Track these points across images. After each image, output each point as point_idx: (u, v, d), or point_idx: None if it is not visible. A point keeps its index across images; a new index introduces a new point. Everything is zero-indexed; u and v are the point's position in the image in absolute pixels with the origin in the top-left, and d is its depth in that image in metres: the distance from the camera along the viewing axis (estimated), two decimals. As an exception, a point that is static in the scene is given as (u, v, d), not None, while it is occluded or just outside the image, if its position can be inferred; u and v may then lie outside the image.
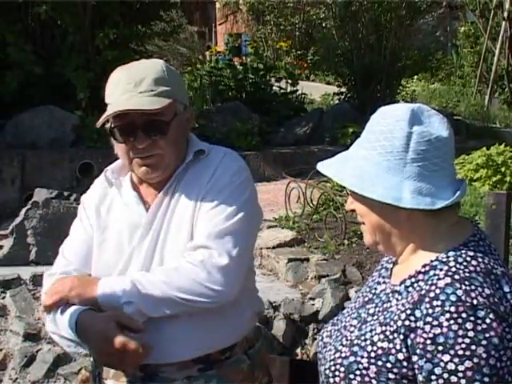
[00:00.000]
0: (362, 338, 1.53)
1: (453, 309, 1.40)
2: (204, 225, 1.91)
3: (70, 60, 7.53)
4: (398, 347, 1.46)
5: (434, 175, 1.51)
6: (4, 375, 3.87)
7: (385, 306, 1.56)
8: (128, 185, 2.04)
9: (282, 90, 9.94)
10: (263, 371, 2.08)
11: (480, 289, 1.42)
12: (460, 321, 1.39)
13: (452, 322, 1.39)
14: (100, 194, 2.08)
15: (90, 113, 7.04)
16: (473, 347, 1.37)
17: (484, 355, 1.37)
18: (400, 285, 1.55)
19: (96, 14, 7.64)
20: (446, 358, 1.39)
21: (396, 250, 1.58)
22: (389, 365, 1.47)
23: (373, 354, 1.49)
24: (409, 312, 1.46)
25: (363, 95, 9.51)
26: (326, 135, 8.49)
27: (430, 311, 1.42)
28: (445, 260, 1.49)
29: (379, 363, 1.47)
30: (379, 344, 1.49)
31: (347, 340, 1.57)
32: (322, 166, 1.61)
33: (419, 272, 1.51)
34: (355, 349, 1.52)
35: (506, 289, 1.46)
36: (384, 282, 1.66)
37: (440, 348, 1.39)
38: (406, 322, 1.45)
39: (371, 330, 1.53)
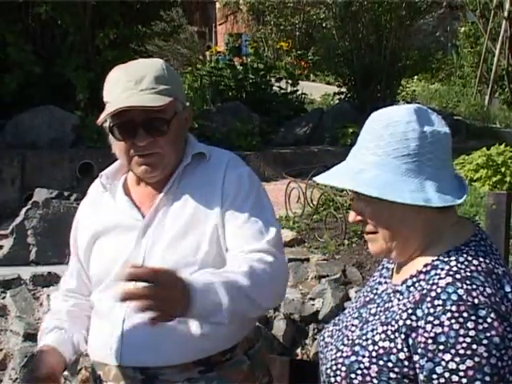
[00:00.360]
0: (364, 337, 1.53)
1: (454, 308, 1.40)
2: (247, 234, 1.91)
3: (69, 60, 7.53)
4: (399, 346, 1.46)
5: (444, 172, 1.52)
6: (4, 375, 3.86)
7: (386, 305, 1.56)
8: (120, 190, 2.04)
9: (282, 90, 9.94)
10: (263, 371, 2.08)
11: (481, 288, 1.42)
12: (461, 320, 1.39)
13: (453, 321, 1.39)
14: (95, 200, 2.10)
15: (90, 113, 7.03)
16: (474, 346, 1.37)
17: (485, 354, 1.37)
18: (401, 284, 1.55)
19: (96, 14, 7.64)
20: (448, 357, 1.39)
21: (408, 254, 1.56)
22: (390, 364, 1.47)
23: (374, 354, 1.49)
24: (410, 311, 1.46)
25: (363, 95, 9.52)
26: (326, 135, 8.49)
27: (432, 310, 1.42)
28: (446, 259, 1.49)
29: (380, 363, 1.47)
30: (380, 343, 1.49)
31: (348, 339, 1.57)
32: (331, 179, 1.57)
33: (420, 271, 1.51)
34: (356, 348, 1.52)
35: (508, 288, 1.46)
36: (385, 282, 1.66)
37: (441, 347, 1.39)
38: (408, 322, 1.45)
39: (372, 330, 1.53)
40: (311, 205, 5.47)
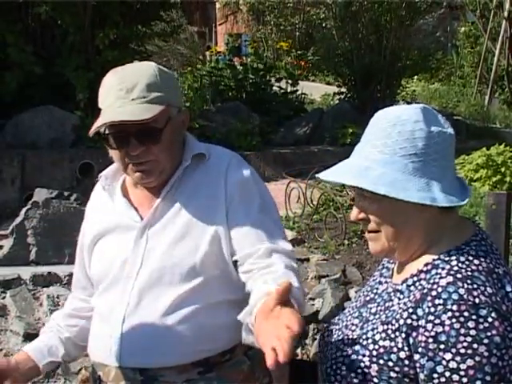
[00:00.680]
0: (364, 336, 1.53)
1: (455, 307, 1.40)
2: (260, 233, 1.90)
3: (69, 60, 7.54)
4: (399, 346, 1.46)
5: (448, 173, 1.53)
6: (4, 375, 3.86)
7: (387, 304, 1.56)
8: (119, 191, 2.05)
9: (282, 90, 9.95)
10: (263, 371, 2.07)
11: (482, 288, 1.42)
12: (462, 319, 1.39)
13: (454, 320, 1.39)
14: (96, 201, 2.11)
15: (90, 113, 7.03)
16: (474, 346, 1.37)
17: (486, 354, 1.37)
18: (402, 284, 1.55)
19: (96, 14, 7.64)
20: (448, 356, 1.39)
21: (410, 253, 1.56)
22: (390, 363, 1.47)
23: (374, 353, 1.49)
24: (411, 310, 1.46)
25: (363, 95, 9.52)
26: (326, 135, 8.50)
27: (432, 310, 1.42)
28: (447, 259, 1.49)
29: (381, 362, 1.47)
30: (381, 343, 1.49)
31: (349, 339, 1.57)
32: (335, 176, 1.56)
33: (421, 271, 1.51)
34: (357, 347, 1.52)
35: (508, 288, 1.46)
36: (386, 282, 1.65)
37: (442, 346, 1.39)
38: (408, 321, 1.45)
39: (373, 329, 1.53)
40: (311, 205, 5.47)
